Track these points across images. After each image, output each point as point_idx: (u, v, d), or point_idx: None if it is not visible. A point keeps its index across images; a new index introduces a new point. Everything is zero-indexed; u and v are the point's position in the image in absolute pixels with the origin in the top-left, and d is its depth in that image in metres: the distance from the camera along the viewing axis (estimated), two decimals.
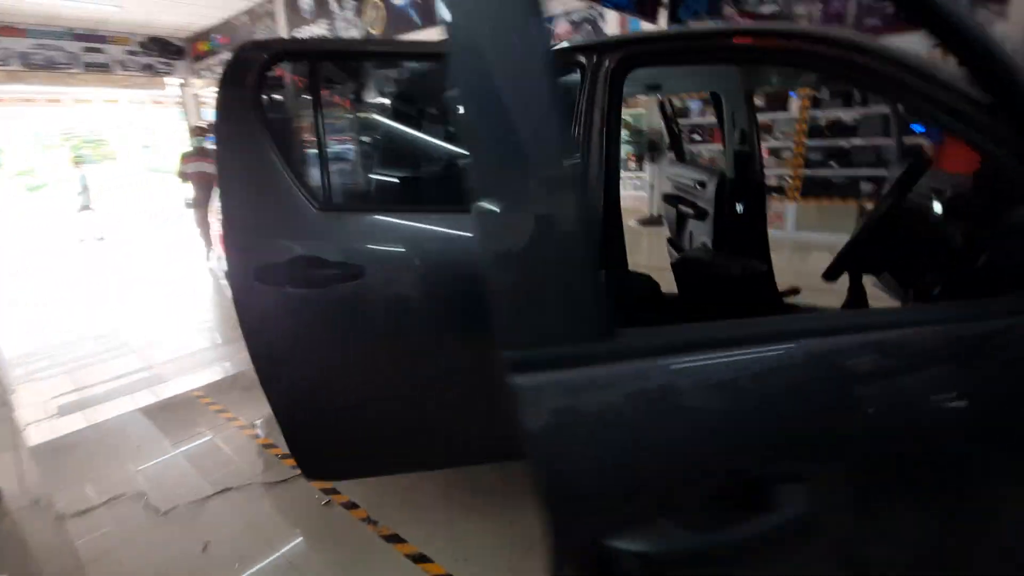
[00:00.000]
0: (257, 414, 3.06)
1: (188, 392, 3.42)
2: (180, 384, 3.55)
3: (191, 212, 6.60)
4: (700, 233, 3.32)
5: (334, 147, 1.99)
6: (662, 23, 5.80)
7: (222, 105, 1.45)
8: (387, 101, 2.09)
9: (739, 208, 2.86)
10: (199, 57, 11.27)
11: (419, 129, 2.10)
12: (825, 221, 8.42)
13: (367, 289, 1.46)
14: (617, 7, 6.60)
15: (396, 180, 2.00)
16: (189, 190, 6.56)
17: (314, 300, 1.47)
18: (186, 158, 6.54)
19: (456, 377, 1.63)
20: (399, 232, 1.53)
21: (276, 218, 1.45)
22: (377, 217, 1.52)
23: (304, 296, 1.47)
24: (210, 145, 7.97)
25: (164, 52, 11.23)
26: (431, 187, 2.00)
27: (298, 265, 1.44)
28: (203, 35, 10.92)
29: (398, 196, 1.93)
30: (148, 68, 11.10)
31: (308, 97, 1.64)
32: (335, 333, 1.52)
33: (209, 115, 11.87)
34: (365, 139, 2.09)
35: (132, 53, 10.86)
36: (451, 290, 1.55)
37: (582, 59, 1.66)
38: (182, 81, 11.69)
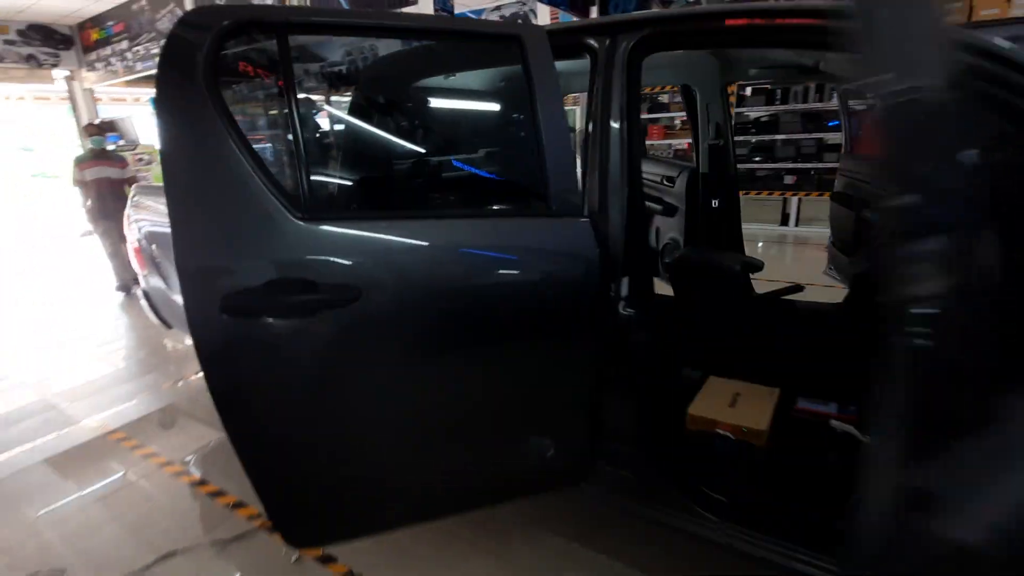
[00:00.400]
0: (189, 451, 2.65)
1: (103, 433, 2.92)
2: (92, 424, 3.02)
3: (93, 226, 5.51)
4: (668, 229, 3.25)
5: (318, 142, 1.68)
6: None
7: (164, 95, 1.12)
8: (382, 84, 1.80)
9: (715, 203, 2.80)
10: (90, 47, 10.06)
11: (428, 117, 1.83)
12: (750, 212, 8.84)
13: (366, 315, 1.19)
14: (551, 2, 6.51)
15: (398, 180, 1.72)
16: (88, 201, 5.38)
17: (299, 332, 1.18)
18: (82, 163, 5.35)
19: (473, 413, 1.41)
20: (403, 244, 1.27)
21: (246, 234, 1.15)
22: (375, 226, 1.25)
23: (286, 328, 1.18)
24: (111, 146, 7.03)
25: (48, 41, 9.92)
26: (443, 188, 1.73)
27: (277, 290, 1.14)
28: (95, 22, 9.75)
29: (400, 199, 1.65)
30: (30, 59, 9.76)
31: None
32: (327, 370, 1.24)
33: (107, 112, 10.64)
34: (356, 131, 1.79)
35: (10, 43, 9.50)
36: (467, 312, 1.32)
37: (591, 42, 1.48)
38: (67, 73, 10.38)
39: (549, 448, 1.55)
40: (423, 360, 1.32)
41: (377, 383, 1.29)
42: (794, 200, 8.19)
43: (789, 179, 8.14)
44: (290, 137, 1.24)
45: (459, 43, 1.51)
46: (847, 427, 1.74)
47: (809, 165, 8.08)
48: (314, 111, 1.78)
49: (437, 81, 1.73)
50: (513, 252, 1.41)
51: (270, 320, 1.16)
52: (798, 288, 2.38)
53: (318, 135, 1.75)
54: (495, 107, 1.78)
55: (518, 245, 1.42)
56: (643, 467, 1.55)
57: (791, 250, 7.43)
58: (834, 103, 7.84)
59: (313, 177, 1.37)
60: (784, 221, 8.29)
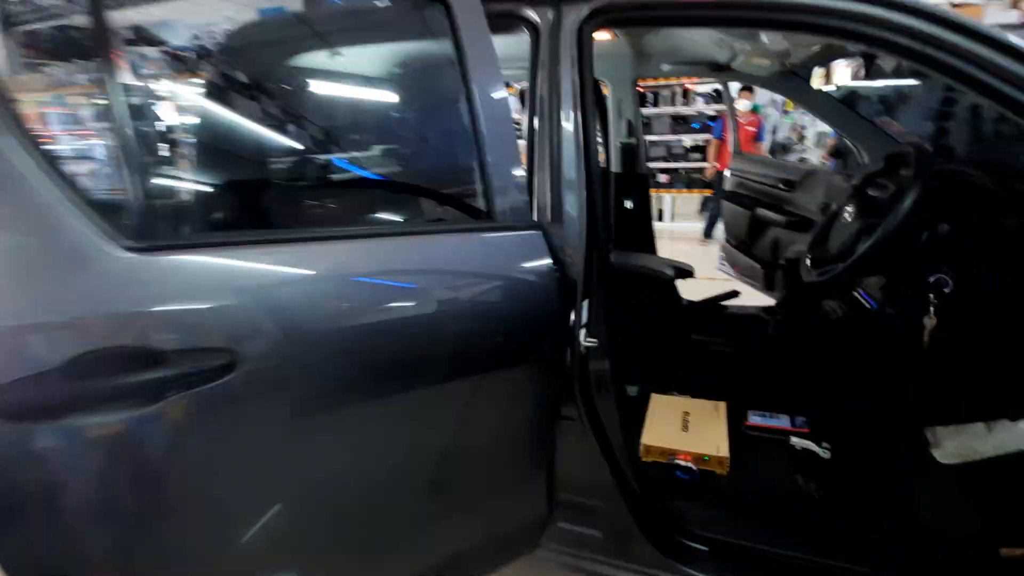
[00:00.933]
0: None
1: None
2: None
3: None
4: None
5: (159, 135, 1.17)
6: None
7: None
8: (255, 59, 1.32)
9: (629, 204, 2.68)
10: None
11: (324, 104, 1.39)
12: None
13: (247, 391, 0.80)
14: None
15: (283, 189, 1.28)
16: None
17: (137, 435, 0.75)
18: None
19: (405, 497, 1.06)
20: (299, 278, 0.89)
21: (33, 278, 0.70)
22: (253, 253, 0.85)
23: (112, 429, 0.74)
24: None
25: None
26: (347, 199, 1.32)
27: (93, 368, 0.71)
28: None
29: (287, 215, 1.22)
30: None
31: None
32: (189, 491, 0.81)
33: None
34: (216, 123, 1.29)
35: None
36: (394, 364, 0.97)
37: (531, 14, 1.20)
38: None
39: (499, 518, 1.26)
40: (334, 444, 0.95)
41: (267, 490, 0.89)
42: (667, 197, 8.67)
43: (663, 178, 8.61)
44: (108, 123, 0.81)
45: (363, 5, 1.15)
46: (807, 444, 1.66)
47: (678, 165, 8.64)
48: (149, 96, 1.29)
49: (334, 57, 1.33)
50: (448, 276, 1.09)
51: (84, 420, 0.72)
52: (734, 293, 2.32)
53: (156, 125, 1.27)
54: (414, 92, 1.41)
55: (453, 268, 1.10)
56: (610, 521, 1.31)
57: (669, 245, 7.83)
58: (695, 108, 8.48)
59: (152, 182, 0.93)
60: (659, 217, 8.75)
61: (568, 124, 1.17)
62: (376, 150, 1.43)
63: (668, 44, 2.14)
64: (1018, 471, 1.48)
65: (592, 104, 1.19)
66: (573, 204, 1.17)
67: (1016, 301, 1.26)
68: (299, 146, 1.41)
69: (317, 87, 1.41)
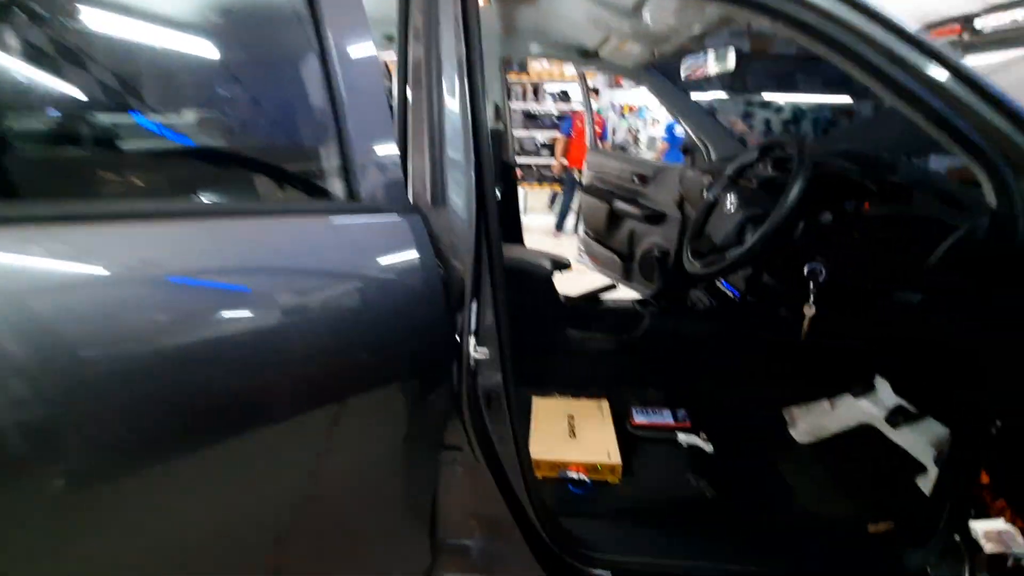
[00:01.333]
0: None
1: None
2: None
3: None
4: None
5: None
6: None
7: None
8: None
9: (497, 194, 2.53)
10: None
11: (112, 42, 0.94)
12: None
13: None
14: None
15: (38, 151, 0.85)
16: None
17: None
18: None
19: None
20: (45, 278, 0.56)
21: None
22: None
23: None
24: None
25: None
26: (145, 167, 0.91)
27: None
28: None
29: (43, 185, 0.80)
30: None
31: None
32: None
33: None
34: None
35: None
36: (201, 400, 0.68)
37: None
38: None
39: None
40: (137, 521, 0.63)
41: None
42: (521, 191, 8.82)
43: (516, 172, 8.75)
44: None
45: None
46: (692, 440, 1.65)
47: (530, 160, 8.86)
48: None
49: None
50: (297, 274, 0.82)
51: None
52: (611, 287, 2.28)
53: None
54: (250, 36, 1.04)
55: (303, 263, 0.83)
56: (505, 561, 1.13)
57: (526, 237, 7.95)
58: (544, 107, 8.74)
59: None
60: None
61: (451, 90, 0.95)
62: (199, 109, 1.06)
63: (541, 21, 2.01)
64: (865, 446, 1.61)
65: (481, 63, 0.98)
66: (459, 187, 0.96)
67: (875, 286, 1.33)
68: (78, 96, 0.98)
69: (103, 18, 0.99)
